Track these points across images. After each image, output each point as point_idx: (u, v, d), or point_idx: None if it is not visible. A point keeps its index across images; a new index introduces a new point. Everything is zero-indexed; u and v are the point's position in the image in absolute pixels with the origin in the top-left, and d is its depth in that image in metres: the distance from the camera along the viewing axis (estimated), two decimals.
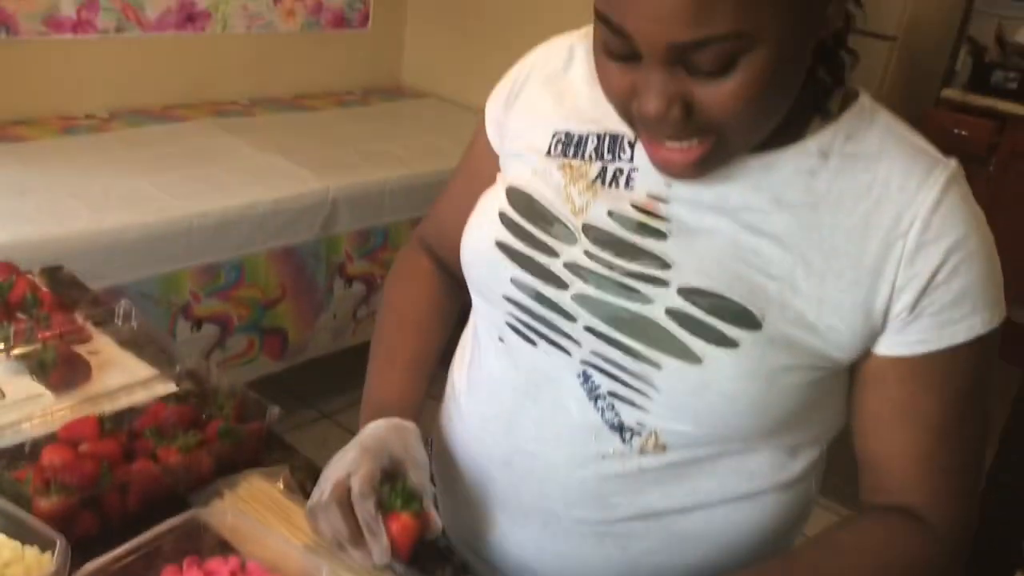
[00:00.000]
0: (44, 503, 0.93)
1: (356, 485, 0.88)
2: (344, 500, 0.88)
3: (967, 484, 0.91)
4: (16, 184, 2.40)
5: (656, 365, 0.85)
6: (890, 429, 0.88)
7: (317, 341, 2.84)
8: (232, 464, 1.09)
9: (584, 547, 0.95)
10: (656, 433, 0.88)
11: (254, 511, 1.02)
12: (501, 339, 0.96)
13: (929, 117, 3.97)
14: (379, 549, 0.87)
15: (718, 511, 0.93)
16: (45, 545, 0.89)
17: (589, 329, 0.88)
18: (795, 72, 0.78)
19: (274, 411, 1.11)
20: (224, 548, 0.98)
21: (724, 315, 0.83)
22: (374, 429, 0.96)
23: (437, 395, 1.10)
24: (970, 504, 0.91)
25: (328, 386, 3.02)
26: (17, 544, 0.90)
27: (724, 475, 0.91)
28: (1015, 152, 3.89)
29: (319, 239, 2.71)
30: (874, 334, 0.85)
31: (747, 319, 0.83)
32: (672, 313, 0.85)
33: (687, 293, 0.85)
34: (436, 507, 0.92)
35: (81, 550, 0.89)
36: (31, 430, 1.08)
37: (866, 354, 0.86)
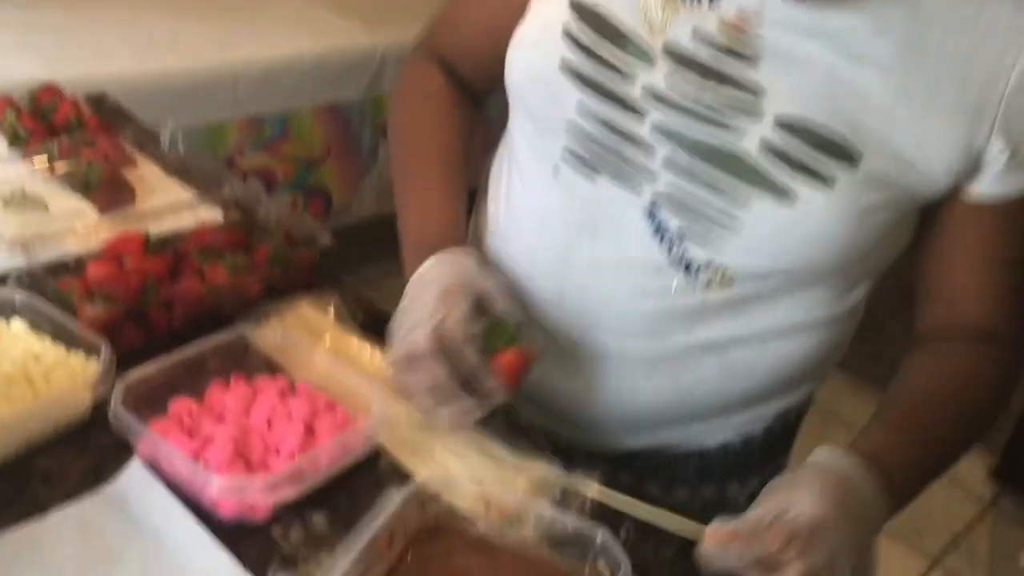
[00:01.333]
0: (89, 311, 0.90)
1: (454, 330, 0.81)
2: (443, 349, 0.81)
3: None
4: (59, 24, 2.34)
5: (743, 204, 0.80)
6: (973, 260, 0.85)
7: (361, 203, 2.79)
8: (281, 290, 1.05)
9: (635, 379, 0.91)
10: (725, 270, 0.84)
11: (303, 335, 0.99)
12: (556, 170, 0.89)
13: None
14: (490, 388, 0.82)
15: (772, 343, 0.90)
16: (90, 351, 0.87)
17: (669, 163, 0.82)
18: None
19: (326, 237, 1.07)
20: (271, 369, 0.95)
21: (821, 150, 0.77)
22: (438, 265, 0.89)
23: None
24: None
25: (373, 252, 2.99)
26: (63, 349, 0.87)
27: (785, 308, 0.88)
28: None
29: (365, 98, 2.64)
30: (969, 172, 0.80)
31: (844, 154, 0.77)
32: (765, 147, 0.78)
33: (781, 126, 0.78)
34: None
35: (126, 364, 0.86)
36: (75, 244, 1.04)
37: (954, 192, 0.82)
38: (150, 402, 0.86)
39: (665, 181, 0.83)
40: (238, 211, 1.20)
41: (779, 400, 0.98)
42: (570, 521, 0.77)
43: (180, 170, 1.27)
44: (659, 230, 0.84)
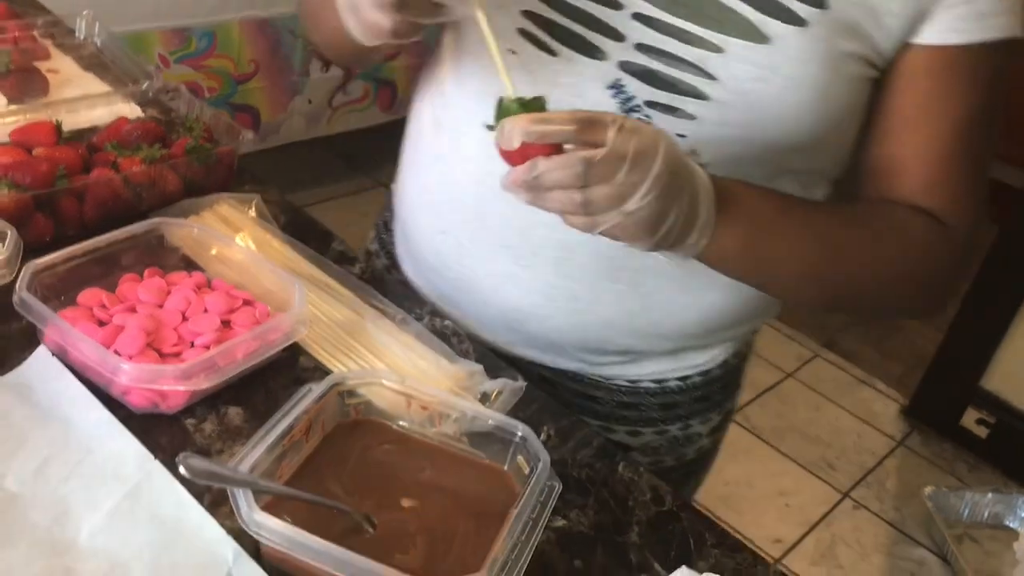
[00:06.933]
0: None
1: None
2: None
3: (979, 187, 0.87)
4: None
5: (717, 48, 0.77)
6: (914, 127, 0.83)
7: (290, 125, 2.72)
8: (200, 188, 1.02)
9: (597, 285, 0.89)
10: (696, 151, 0.81)
11: (222, 231, 0.95)
12: (513, 52, 0.83)
13: None
14: None
15: None
16: None
17: (639, 16, 0.78)
18: None
19: (247, 135, 1.03)
20: (187, 265, 0.92)
21: None
22: None
23: None
24: (979, 207, 0.87)
25: (300, 178, 2.92)
26: None
27: None
28: None
29: (296, 14, 2.55)
30: (921, 17, 0.78)
31: None
32: None
33: None
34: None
35: (37, 255, 0.82)
36: None
37: (904, 48, 0.80)
38: (59, 292, 0.83)
39: (634, 40, 0.79)
40: (157, 107, 1.15)
41: (731, 330, 0.97)
42: (491, 417, 0.76)
43: (97, 64, 1.21)
44: (625, 106, 0.81)
